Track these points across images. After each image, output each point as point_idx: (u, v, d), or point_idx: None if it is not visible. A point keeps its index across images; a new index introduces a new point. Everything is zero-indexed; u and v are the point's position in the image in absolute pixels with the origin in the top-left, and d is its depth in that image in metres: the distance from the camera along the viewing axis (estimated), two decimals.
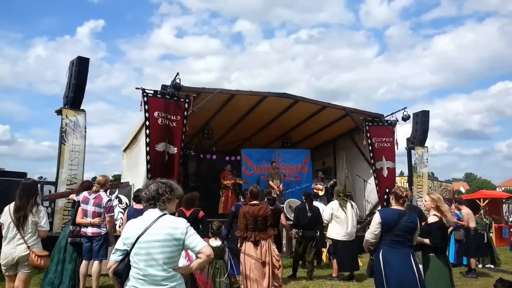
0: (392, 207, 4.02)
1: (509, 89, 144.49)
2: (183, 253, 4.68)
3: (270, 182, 10.54)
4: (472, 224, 8.05)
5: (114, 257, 2.55)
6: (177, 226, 2.57)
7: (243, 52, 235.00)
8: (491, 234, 9.53)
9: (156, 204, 2.62)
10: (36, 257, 3.94)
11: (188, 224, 2.64)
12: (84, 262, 5.48)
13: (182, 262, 4.63)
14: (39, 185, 8.68)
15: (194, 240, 2.57)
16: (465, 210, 8.10)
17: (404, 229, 3.75)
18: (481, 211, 9.66)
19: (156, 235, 2.50)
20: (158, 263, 2.47)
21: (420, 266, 4.53)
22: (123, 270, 2.50)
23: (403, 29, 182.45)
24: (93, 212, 5.40)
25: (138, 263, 2.48)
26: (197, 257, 2.59)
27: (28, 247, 3.96)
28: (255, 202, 5.19)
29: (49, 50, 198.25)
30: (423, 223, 4.78)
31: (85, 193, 5.58)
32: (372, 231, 3.91)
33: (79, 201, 5.59)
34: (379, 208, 9.99)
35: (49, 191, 8.41)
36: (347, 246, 7.02)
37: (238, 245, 5.10)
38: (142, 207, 5.57)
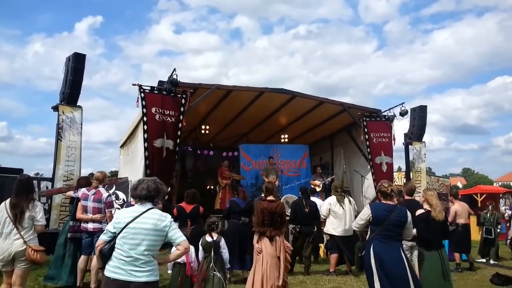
0: (382, 202, 4.05)
1: (507, 84, 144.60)
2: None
3: (264, 177, 10.54)
4: (461, 221, 7.89)
5: (104, 237, 2.92)
6: (163, 219, 2.95)
7: (241, 48, 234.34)
8: (498, 230, 9.50)
9: (153, 201, 2.99)
10: (33, 251, 3.94)
11: (172, 219, 3.00)
12: (83, 257, 5.49)
13: (181, 257, 4.67)
14: (35, 181, 8.73)
15: (176, 233, 2.95)
16: (455, 207, 7.98)
17: (394, 223, 3.79)
18: (489, 207, 9.67)
19: (144, 224, 2.87)
20: (141, 248, 2.83)
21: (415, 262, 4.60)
22: (107, 251, 2.86)
23: (402, 24, 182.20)
24: (93, 208, 5.41)
25: (123, 245, 2.82)
26: (176, 249, 2.98)
27: (25, 242, 3.96)
28: (272, 198, 5.20)
29: (47, 46, 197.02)
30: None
31: (84, 190, 5.58)
32: (358, 221, 4.02)
33: (78, 197, 5.59)
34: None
35: (46, 187, 8.41)
36: (345, 241, 7.04)
37: (254, 241, 5.09)
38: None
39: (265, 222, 4.99)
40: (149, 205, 2.96)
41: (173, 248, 3.90)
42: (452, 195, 8.48)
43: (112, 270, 2.82)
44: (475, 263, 8.36)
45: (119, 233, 2.85)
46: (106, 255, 2.85)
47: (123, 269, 2.79)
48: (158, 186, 3.04)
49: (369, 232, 3.94)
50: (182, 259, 4.68)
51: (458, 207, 8.00)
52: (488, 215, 9.40)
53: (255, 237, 5.06)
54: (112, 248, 2.85)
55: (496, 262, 8.95)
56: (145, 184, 2.99)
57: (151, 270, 2.86)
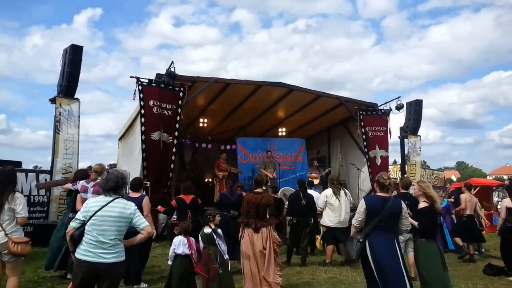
0: (377, 194, 4.10)
1: (502, 79, 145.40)
2: (185, 241, 4.78)
3: (263, 170, 10.59)
4: (466, 212, 8.14)
5: (73, 224, 3.22)
6: (128, 207, 3.28)
7: (240, 41, 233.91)
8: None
9: (117, 191, 3.29)
10: (13, 244, 3.87)
11: (136, 207, 3.34)
12: None
13: (182, 249, 4.75)
14: (34, 174, 8.74)
15: (140, 220, 3.30)
16: (464, 196, 8.24)
17: (388, 214, 3.85)
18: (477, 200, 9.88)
19: (111, 212, 3.18)
20: (108, 233, 3.15)
21: (411, 253, 4.65)
22: (78, 236, 3.16)
23: (400, 19, 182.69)
24: None
25: (92, 231, 3.13)
26: (140, 233, 3.31)
27: (6, 234, 3.89)
28: (259, 190, 5.24)
29: (46, 38, 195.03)
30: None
31: (83, 182, 5.58)
32: (357, 218, 3.99)
33: (76, 190, 5.60)
34: None
35: (45, 180, 8.42)
36: (341, 232, 7.14)
37: (240, 232, 5.16)
38: (137, 196, 5.64)
39: (250, 214, 5.04)
40: (114, 195, 3.27)
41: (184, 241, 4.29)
42: (465, 186, 8.70)
43: (83, 253, 3.13)
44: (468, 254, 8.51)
45: (88, 220, 3.15)
46: (76, 240, 3.16)
47: (92, 252, 3.10)
48: (123, 178, 3.39)
49: (364, 225, 3.96)
50: (183, 250, 4.75)
51: (467, 197, 8.23)
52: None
53: (241, 229, 5.12)
54: (82, 234, 3.15)
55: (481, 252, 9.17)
56: (113, 177, 3.31)
57: (118, 252, 3.19)
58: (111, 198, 3.24)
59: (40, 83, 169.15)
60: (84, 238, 3.14)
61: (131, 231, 3.34)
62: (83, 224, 3.16)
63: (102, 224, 3.14)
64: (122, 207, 3.24)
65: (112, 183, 3.28)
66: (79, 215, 3.22)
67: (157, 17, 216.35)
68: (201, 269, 4.66)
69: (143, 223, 3.28)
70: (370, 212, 3.88)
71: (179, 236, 4.86)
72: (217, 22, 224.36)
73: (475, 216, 9.10)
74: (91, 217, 3.15)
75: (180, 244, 4.77)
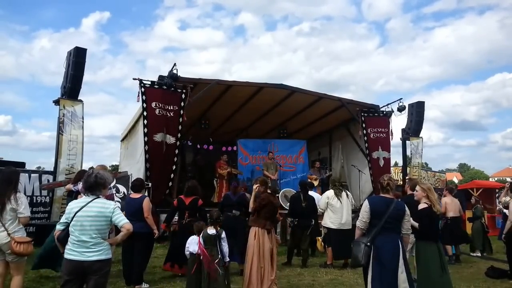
0: (380, 195, 4.10)
1: (506, 81, 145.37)
2: (197, 240, 4.81)
3: (265, 172, 10.63)
4: (449, 214, 7.98)
5: (58, 227, 3.42)
6: (106, 206, 3.40)
7: (245, 44, 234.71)
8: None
9: (95, 191, 3.41)
10: (16, 243, 3.93)
11: (116, 205, 3.48)
12: None
13: (193, 247, 4.78)
14: (37, 174, 8.81)
15: (119, 217, 3.40)
16: (445, 199, 8.09)
17: (393, 216, 3.85)
18: (480, 202, 9.86)
19: (89, 212, 3.32)
20: (88, 232, 3.29)
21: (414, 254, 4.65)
22: (63, 237, 3.34)
23: (404, 22, 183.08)
24: None
25: (74, 231, 3.30)
26: (121, 231, 3.43)
27: (9, 234, 3.95)
28: (270, 192, 5.27)
29: (53, 42, 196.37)
30: None
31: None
32: (361, 218, 3.97)
33: (77, 190, 5.63)
34: None
35: (48, 181, 8.48)
36: (342, 234, 7.14)
37: (251, 234, 5.16)
38: (138, 197, 5.68)
39: (266, 215, 5.07)
40: (93, 196, 3.41)
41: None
42: (447, 189, 8.59)
43: (68, 252, 3.30)
44: (471, 257, 8.48)
45: (70, 221, 3.32)
46: (62, 240, 3.34)
47: (76, 251, 3.26)
48: (103, 179, 3.47)
49: (368, 226, 3.94)
50: (194, 249, 4.78)
51: (448, 200, 8.13)
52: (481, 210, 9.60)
53: (251, 229, 5.13)
54: (67, 235, 3.32)
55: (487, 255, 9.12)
56: (91, 178, 3.42)
57: (101, 250, 3.31)
58: (90, 199, 3.39)
59: (46, 85, 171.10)
60: (69, 238, 3.31)
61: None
62: (68, 225, 3.33)
63: (82, 224, 3.29)
64: (100, 206, 3.36)
65: (89, 184, 3.42)
66: (63, 217, 3.39)
67: (163, 21, 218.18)
68: (209, 267, 4.69)
69: (122, 220, 3.38)
70: (374, 213, 3.87)
71: (194, 236, 4.91)
72: (222, 25, 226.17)
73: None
74: (72, 218, 3.31)
75: (192, 243, 4.83)
